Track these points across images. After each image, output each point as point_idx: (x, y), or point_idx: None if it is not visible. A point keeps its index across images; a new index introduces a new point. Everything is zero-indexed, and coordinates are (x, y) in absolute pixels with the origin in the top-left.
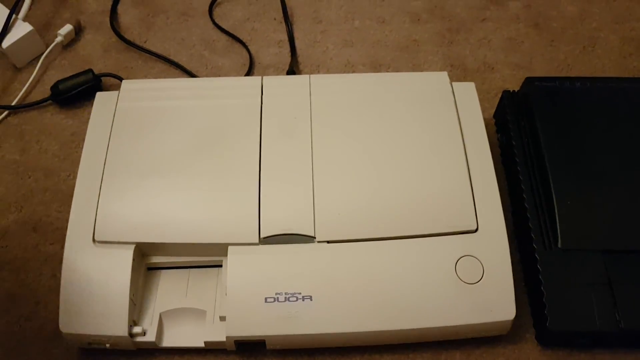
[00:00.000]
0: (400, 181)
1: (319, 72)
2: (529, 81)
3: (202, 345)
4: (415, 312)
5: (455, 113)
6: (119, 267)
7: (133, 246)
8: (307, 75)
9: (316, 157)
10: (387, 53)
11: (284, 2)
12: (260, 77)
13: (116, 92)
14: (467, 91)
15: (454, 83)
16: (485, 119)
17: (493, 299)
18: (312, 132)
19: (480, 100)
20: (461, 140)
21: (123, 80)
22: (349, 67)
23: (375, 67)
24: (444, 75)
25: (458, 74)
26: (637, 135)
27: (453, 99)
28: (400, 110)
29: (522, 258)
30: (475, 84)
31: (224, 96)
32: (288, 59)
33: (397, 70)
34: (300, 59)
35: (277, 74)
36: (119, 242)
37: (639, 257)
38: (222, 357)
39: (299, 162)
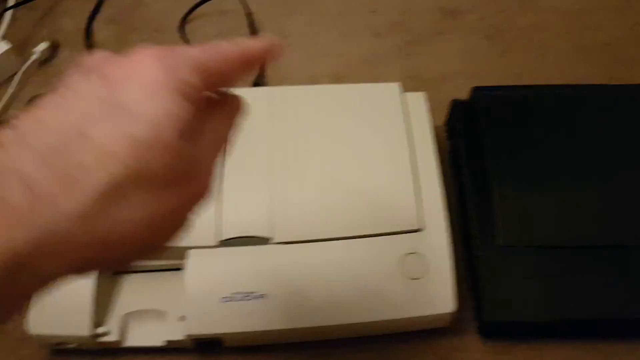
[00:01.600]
0: (350, 186)
1: (283, 85)
2: (475, 90)
3: (163, 344)
4: (363, 307)
5: (405, 121)
6: None
7: None
8: (269, 87)
9: (275, 164)
10: (348, 66)
11: (251, 18)
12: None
13: None
14: (418, 100)
15: (406, 93)
16: (439, 127)
17: (435, 293)
18: (272, 141)
19: (435, 109)
20: (409, 146)
21: None
22: (313, 80)
23: (337, 79)
24: (395, 86)
25: (415, 85)
26: (574, 138)
27: (403, 108)
28: (353, 119)
29: (466, 256)
30: (429, 94)
31: None
32: (255, 73)
33: (358, 82)
34: (266, 73)
35: (244, 87)
36: None
37: (574, 251)
38: (183, 356)
39: (258, 169)
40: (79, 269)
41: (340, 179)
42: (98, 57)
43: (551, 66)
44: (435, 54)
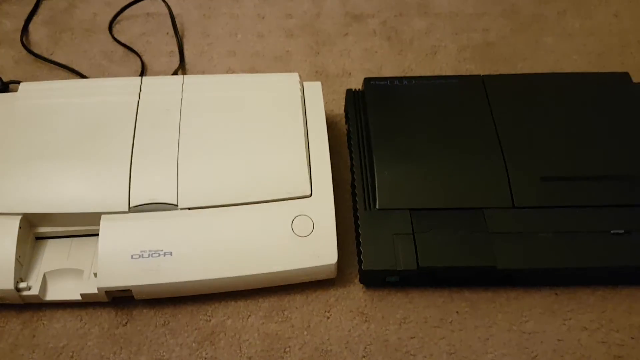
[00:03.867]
0: (251, 160)
1: None
2: (366, 80)
3: (79, 297)
4: (259, 261)
5: (302, 106)
6: (7, 234)
7: (20, 216)
8: (181, 76)
9: (182, 141)
10: (264, 62)
11: (174, 19)
12: (139, 77)
13: (16, 92)
14: (314, 89)
15: (304, 82)
16: (339, 114)
17: (320, 247)
18: (181, 122)
19: (338, 99)
20: (303, 127)
21: (21, 83)
22: (230, 73)
23: (253, 73)
24: (295, 76)
25: (322, 79)
26: (443, 120)
27: (300, 95)
28: (256, 103)
29: (354, 218)
30: (334, 87)
31: (107, 93)
32: (177, 67)
33: None
34: (187, 67)
35: (160, 75)
36: (7, 213)
37: (435, 212)
38: (98, 309)
39: (167, 145)
40: None
41: (241, 155)
42: None
43: (439, 62)
44: (341, 53)
